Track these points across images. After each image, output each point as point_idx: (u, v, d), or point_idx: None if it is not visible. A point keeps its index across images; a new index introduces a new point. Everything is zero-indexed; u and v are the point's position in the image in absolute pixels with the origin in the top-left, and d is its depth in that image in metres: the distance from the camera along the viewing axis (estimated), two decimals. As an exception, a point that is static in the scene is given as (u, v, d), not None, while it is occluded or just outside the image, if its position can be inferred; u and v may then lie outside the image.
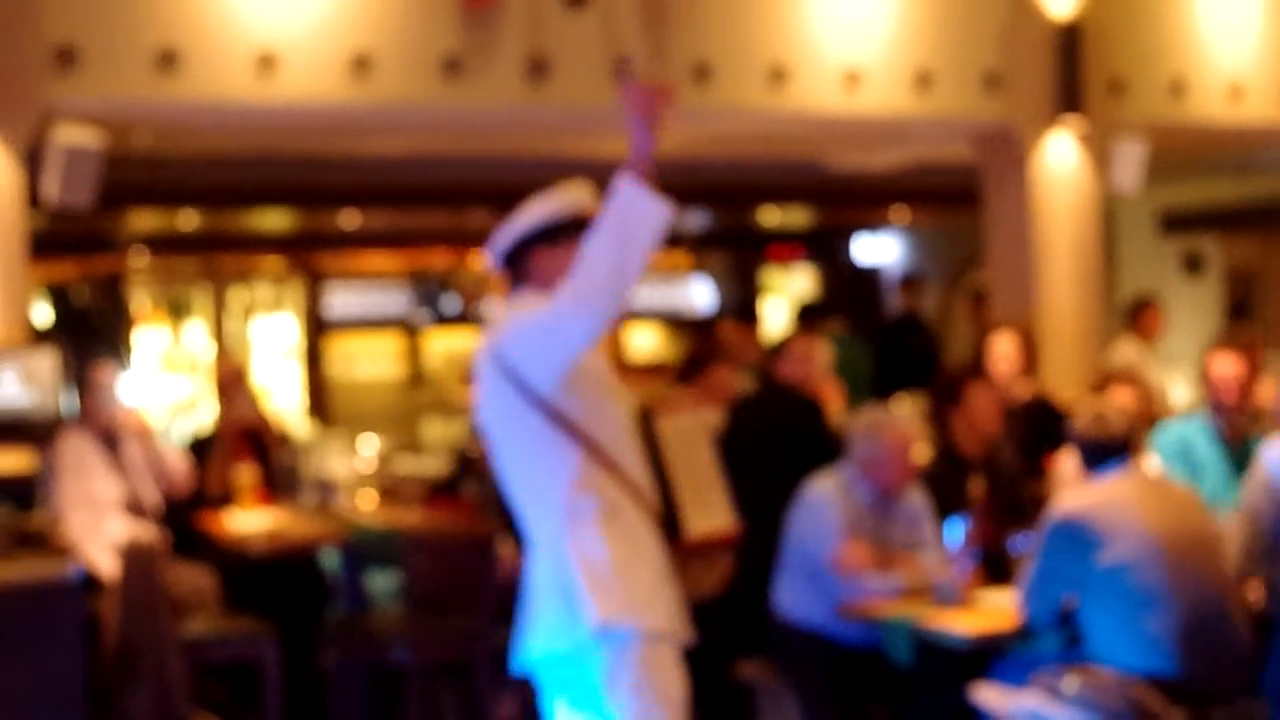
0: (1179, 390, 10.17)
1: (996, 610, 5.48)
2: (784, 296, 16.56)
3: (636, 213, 3.74)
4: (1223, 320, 15.52)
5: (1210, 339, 8.58)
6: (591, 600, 3.85)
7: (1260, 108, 10.04)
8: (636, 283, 3.80)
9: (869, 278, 16.88)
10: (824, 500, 6.04)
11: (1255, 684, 4.87)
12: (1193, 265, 15.98)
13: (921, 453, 6.58)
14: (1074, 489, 5.29)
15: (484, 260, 4.19)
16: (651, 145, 3.81)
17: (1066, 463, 6.29)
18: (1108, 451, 5.12)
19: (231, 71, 7.55)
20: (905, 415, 7.40)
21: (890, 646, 5.68)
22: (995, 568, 5.89)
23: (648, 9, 8.29)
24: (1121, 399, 6.58)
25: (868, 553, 5.92)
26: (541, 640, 3.95)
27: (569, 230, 4.00)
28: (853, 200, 14.04)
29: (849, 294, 16.28)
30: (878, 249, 17.05)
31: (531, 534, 3.99)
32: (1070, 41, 9.12)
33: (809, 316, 11.16)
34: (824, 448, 6.95)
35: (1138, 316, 10.11)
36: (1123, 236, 15.56)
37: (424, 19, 7.89)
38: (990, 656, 5.41)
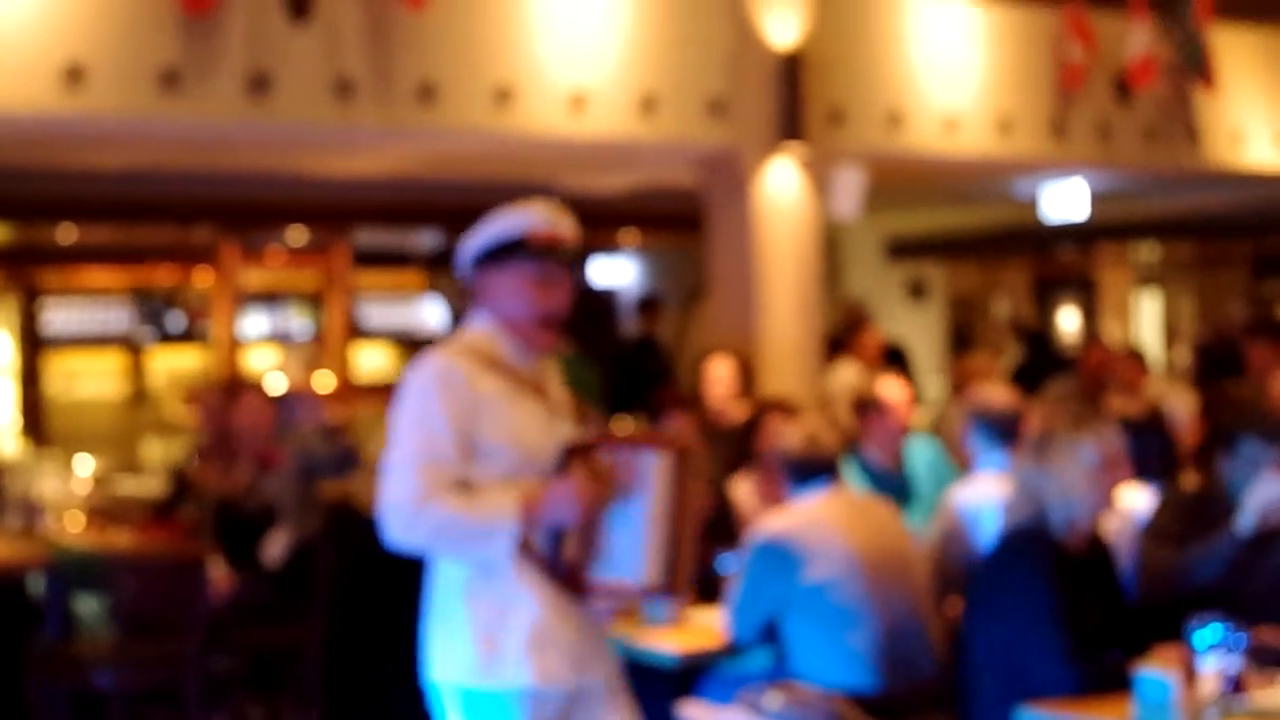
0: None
1: (704, 629, 5.53)
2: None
3: (485, 544, 3.73)
4: (946, 344, 15.99)
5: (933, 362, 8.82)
6: (435, 654, 3.88)
7: (974, 140, 10.36)
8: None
9: (604, 299, 16.97)
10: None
11: (949, 697, 4.99)
12: (917, 291, 16.42)
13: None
14: (778, 509, 5.36)
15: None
16: (559, 522, 3.79)
17: (742, 487, 6.38)
18: (815, 470, 5.21)
19: (-66, 78, 7.29)
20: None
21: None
22: (704, 587, 5.93)
23: (373, 26, 8.22)
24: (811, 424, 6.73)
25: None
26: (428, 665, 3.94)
27: (513, 251, 3.86)
28: (583, 222, 14.03)
29: (584, 315, 16.30)
30: (614, 271, 17.15)
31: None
32: (792, 70, 9.31)
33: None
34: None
35: (852, 337, 10.31)
36: (850, 262, 15.92)
37: (140, 28, 7.68)
38: (698, 674, 5.46)
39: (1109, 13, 10.65)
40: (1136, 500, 5.54)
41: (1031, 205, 13.74)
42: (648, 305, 13.28)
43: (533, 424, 3.86)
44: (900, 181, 11.81)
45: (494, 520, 3.71)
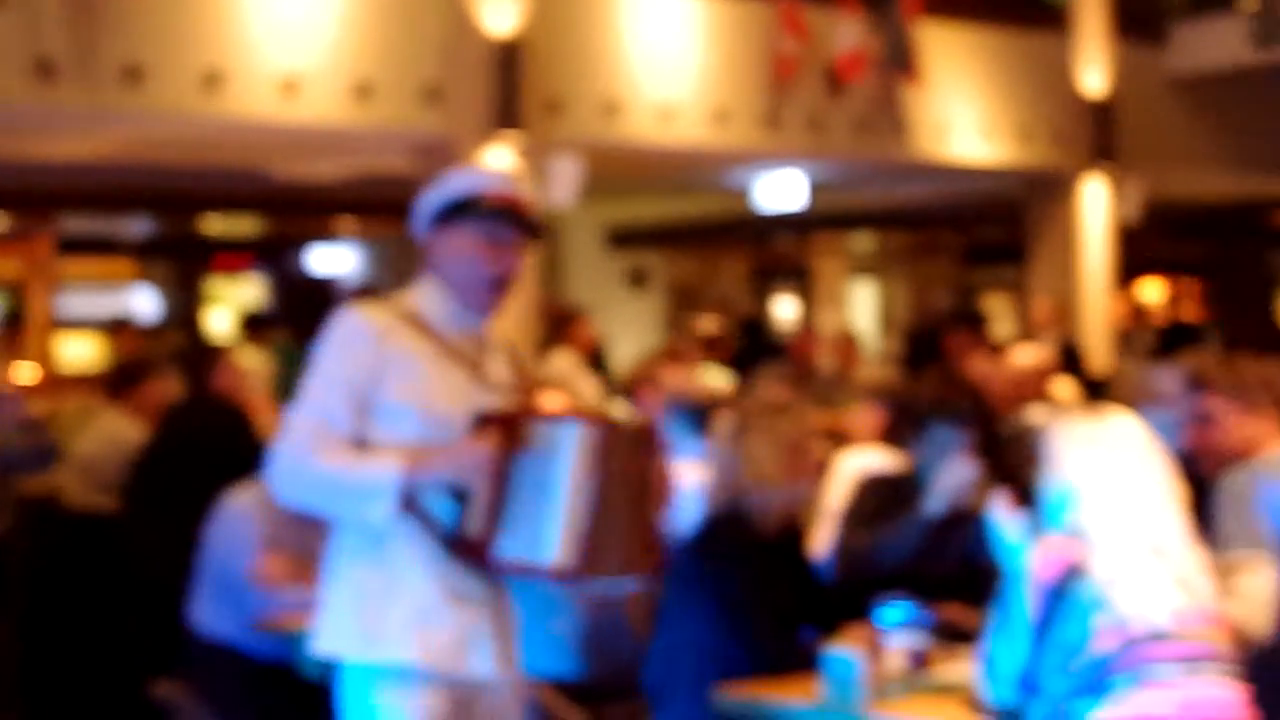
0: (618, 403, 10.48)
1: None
2: (231, 306, 16.27)
3: (365, 504, 3.50)
4: (665, 331, 16.15)
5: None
6: (321, 627, 3.65)
7: (690, 131, 10.49)
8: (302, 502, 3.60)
9: (323, 288, 16.76)
10: (242, 513, 5.91)
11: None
12: (637, 279, 16.57)
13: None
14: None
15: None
16: (457, 483, 3.52)
17: None
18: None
19: None
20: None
21: (304, 660, 5.61)
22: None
23: (75, 7, 7.98)
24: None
25: (287, 566, 5.84)
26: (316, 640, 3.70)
27: (465, 210, 3.64)
28: (300, 210, 13.92)
29: (302, 305, 16.12)
30: (333, 260, 16.95)
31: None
32: (509, 59, 9.30)
33: (253, 326, 10.97)
34: (252, 460, 6.82)
35: (566, 329, 10.34)
36: (571, 251, 16.00)
37: None
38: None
39: (821, 7, 10.88)
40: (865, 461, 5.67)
41: (748, 195, 13.96)
42: (363, 295, 13.14)
43: (446, 389, 3.62)
44: (619, 171, 11.90)
45: (375, 478, 3.48)
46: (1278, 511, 4.02)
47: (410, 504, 3.50)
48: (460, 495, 3.53)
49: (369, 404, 3.55)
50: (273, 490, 3.62)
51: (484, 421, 3.56)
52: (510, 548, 3.50)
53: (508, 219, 3.67)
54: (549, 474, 3.48)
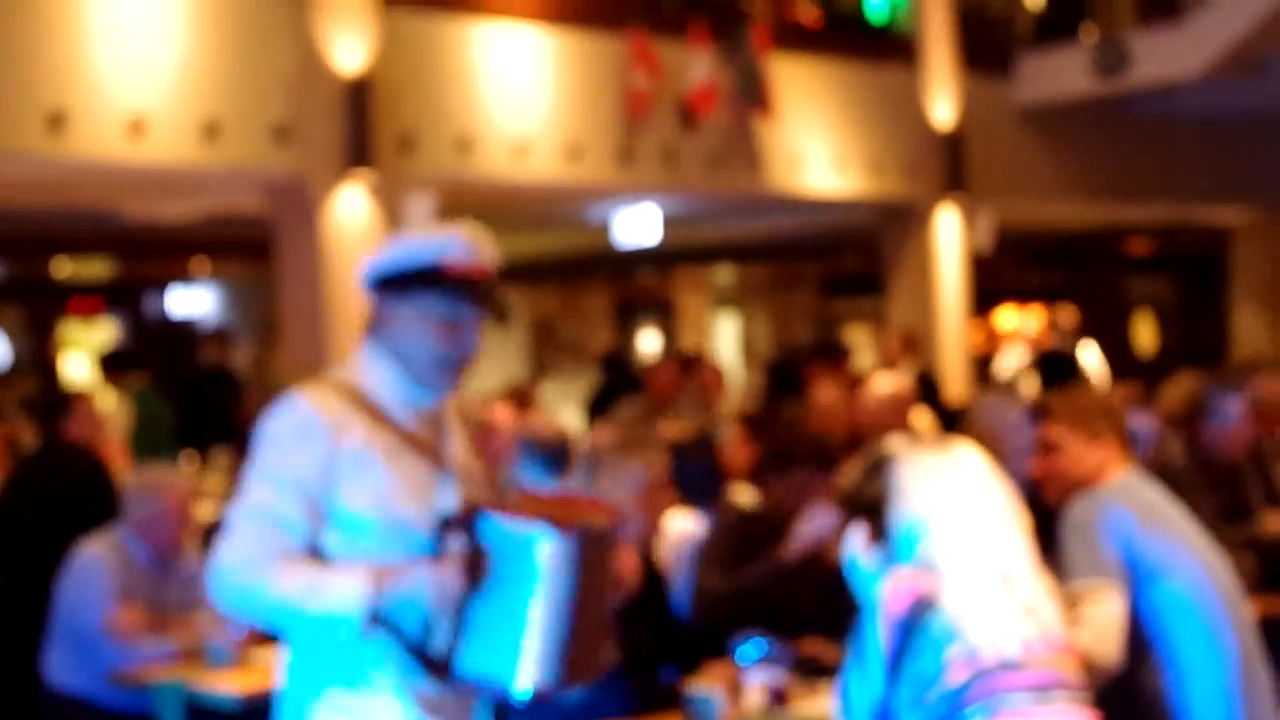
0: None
1: (269, 668, 5.41)
2: (85, 350, 16.01)
3: (328, 627, 3.19)
4: (527, 367, 16.12)
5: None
6: None
7: (544, 166, 10.48)
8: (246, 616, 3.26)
9: (181, 330, 16.55)
10: (95, 563, 5.81)
11: None
12: (499, 317, 16.50)
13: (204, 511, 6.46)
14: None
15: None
16: (401, 598, 3.20)
17: None
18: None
19: None
20: (188, 473, 7.24)
21: (161, 711, 5.51)
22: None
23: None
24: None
25: (141, 616, 5.74)
26: None
27: (423, 282, 3.26)
28: (154, 251, 13.74)
29: (159, 347, 15.91)
30: (191, 301, 16.74)
31: None
32: (359, 96, 9.25)
33: (110, 367, 10.80)
34: (107, 510, 6.70)
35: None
36: (431, 289, 15.90)
37: None
38: (261, 715, 5.34)
39: (672, 41, 10.93)
40: (685, 524, 5.66)
41: (608, 230, 13.99)
42: (217, 336, 13.00)
43: (407, 489, 3.28)
44: (475, 208, 11.85)
45: (339, 603, 3.14)
46: (1122, 539, 4.06)
47: (375, 619, 3.19)
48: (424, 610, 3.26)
49: (321, 508, 3.22)
50: (214, 601, 3.25)
51: (447, 525, 3.26)
52: (476, 663, 3.22)
53: (469, 294, 3.27)
54: (517, 588, 3.19)
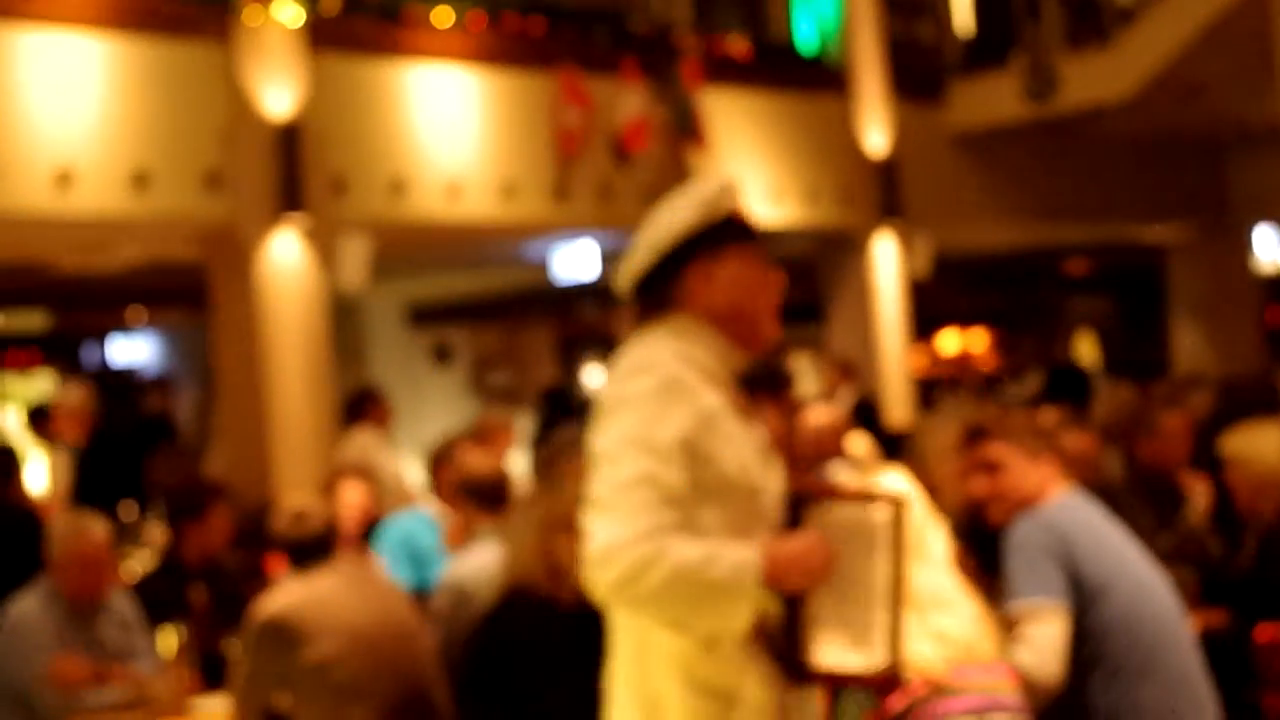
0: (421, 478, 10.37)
1: (211, 717, 5.36)
2: (21, 404, 15.85)
3: (723, 610, 2.88)
4: (473, 404, 16.06)
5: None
6: None
7: (478, 205, 10.46)
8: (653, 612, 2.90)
9: (122, 379, 16.41)
10: (26, 618, 5.76)
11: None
12: (442, 355, 16.49)
13: (142, 560, 6.40)
14: (282, 588, 5.24)
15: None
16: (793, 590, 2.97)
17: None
18: (310, 549, 5.13)
19: None
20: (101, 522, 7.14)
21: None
22: (214, 673, 5.77)
23: None
24: (351, 494, 6.63)
25: (83, 665, 5.68)
26: None
27: (725, 235, 3.05)
28: (89, 302, 13.64)
29: (99, 397, 15.75)
30: (131, 350, 16.63)
31: None
32: (289, 141, 9.21)
33: (40, 424, 10.69)
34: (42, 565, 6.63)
35: (363, 410, 10.19)
36: (373, 329, 15.86)
37: None
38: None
39: (602, 77, 10.94)
40: None
41: (546, 267, 13.98)
42: (159, 384, 12.92)
43: (753, 455, 3.00)
44: (413, 249, 11.83)
45: (738, 579, 2.84)
46: (1064, 558, 4.07)
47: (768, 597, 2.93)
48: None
49: (697, 474, 2.91)
50: (596, 587, 2.87)
51: (797, 502, 3.05)
52: (824, 652, 3.00)
53: (758, 234, 3.13)
54: (866, 565, 3.00)
